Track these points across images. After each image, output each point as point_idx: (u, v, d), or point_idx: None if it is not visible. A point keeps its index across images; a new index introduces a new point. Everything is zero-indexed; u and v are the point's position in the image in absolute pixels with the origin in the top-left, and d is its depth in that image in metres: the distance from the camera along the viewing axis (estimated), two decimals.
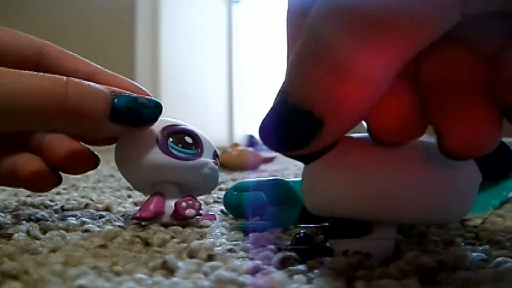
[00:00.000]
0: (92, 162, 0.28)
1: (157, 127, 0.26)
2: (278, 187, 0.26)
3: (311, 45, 0.15)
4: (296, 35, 0.20)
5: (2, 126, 0.23)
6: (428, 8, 0.14)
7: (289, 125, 0.15)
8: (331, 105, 0.15)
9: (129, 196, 0.41)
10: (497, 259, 0.18)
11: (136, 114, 0.24)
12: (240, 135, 2.56)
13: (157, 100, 0.25)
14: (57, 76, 0.23)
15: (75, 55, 0.28)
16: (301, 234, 0.20)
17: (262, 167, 0.89)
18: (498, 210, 0.29)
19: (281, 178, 0.27)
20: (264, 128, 0.16)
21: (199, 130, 0.28)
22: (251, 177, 0.65)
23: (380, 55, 0.14)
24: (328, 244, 0.19)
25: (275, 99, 0.16)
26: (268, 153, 0.99)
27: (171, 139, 0.26)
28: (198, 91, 2.28)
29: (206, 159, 0.27)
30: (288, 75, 0.15)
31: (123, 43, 1.79)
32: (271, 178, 0.27)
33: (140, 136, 0.26)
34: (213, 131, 2.35)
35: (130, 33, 1.80)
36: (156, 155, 0.26)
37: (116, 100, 0.23)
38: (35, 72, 0.23)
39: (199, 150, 0.27)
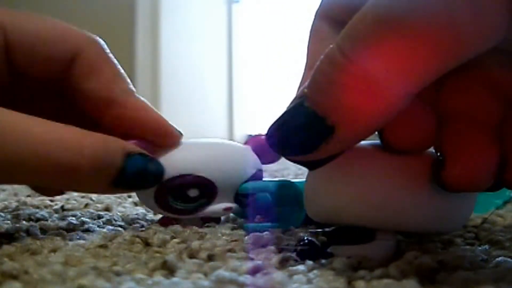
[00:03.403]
0: None
1: None
2: (284, 188, 0.26)
3: (334, 54, 0.15)
4: (318, 38, 0.20)
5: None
6: (475, 20, 0.13)
7: (300, 128, 0.15)
8: (345, 115, 0.15)
9: (129, 196, 0.40)
10: (497, 259, 0.18)
11: (139, 182, 0.23)
12: (240, 135, 2.56)
13: (162, 166, 0.24)
14: (73, 142, 0.21)
15: (109, 65, 0.25)
16: (306, 240, 0.20)
17: (262, 167, 0.89)
18: (498, 210, 0.29)
19: (287, 179, 0.27)
20: (274, 129, 0.16)
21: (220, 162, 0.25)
22: None
23: (402, 74, 0.14)
24: (329, 250, 0.19)
25: (291, 102, 0.16)
26: None
27: (170, 196, 0.24)
28: (198, 90, 2.28)
29: (216, 207, 0.25)
30: (310, 81, 0.15)
31: (123, 42, 1.79)
32: (277, 179, 0.27)
33: None
34: (213, 131, 2.35)
35: (130, 32, 1.80)
36: (155, 209, 0.25)
37: (126, 168, 0.22)
38: (52, 125, 0.21)
39: (207, 198, 0.25)
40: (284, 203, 0.26)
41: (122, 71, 0.25)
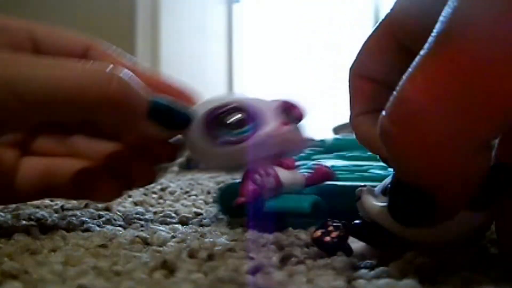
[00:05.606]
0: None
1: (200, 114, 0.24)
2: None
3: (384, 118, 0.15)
4: (360, 97, 0.22)
5: (41, 113, 0.22)
6: None
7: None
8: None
9: (129, 196, 0.40)
10: (497, 258, 0.18)
11: (172, 115, 0.24)
12: None
13: (188, 107, 0.24)
14: (103, 63, 0.23)
15: (120, 55, 0.28)
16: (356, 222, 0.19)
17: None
18: None
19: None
20: None
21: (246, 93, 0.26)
22: None
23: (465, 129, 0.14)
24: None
25: None
26: None
27: (221, 126, 0.24)
28: (198, 90, 2.28)
29: (271, 125, 0.24)
30: None
31: (123, 42, 1.79)
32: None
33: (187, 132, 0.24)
34: None
35: (130, 32, 1.80)
36: (209, 152, 0.24)
37: (155, 101, 0.23)
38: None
39: (256, 121, 0.24)
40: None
41: None
